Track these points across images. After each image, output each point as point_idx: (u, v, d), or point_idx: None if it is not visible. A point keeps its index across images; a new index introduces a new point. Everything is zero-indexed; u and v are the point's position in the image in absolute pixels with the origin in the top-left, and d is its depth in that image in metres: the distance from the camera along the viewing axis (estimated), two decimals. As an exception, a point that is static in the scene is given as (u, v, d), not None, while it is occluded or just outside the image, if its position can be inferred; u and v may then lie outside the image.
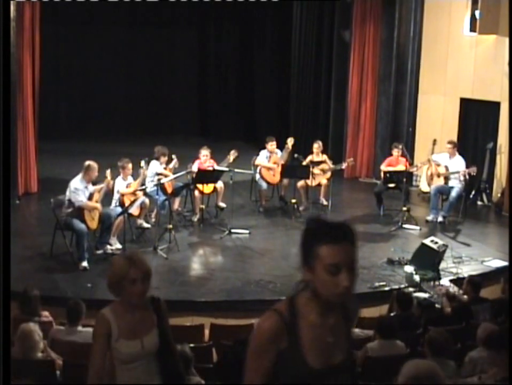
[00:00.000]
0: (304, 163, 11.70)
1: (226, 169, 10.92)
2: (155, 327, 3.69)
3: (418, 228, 11.10)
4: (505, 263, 9.28)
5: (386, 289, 8.58)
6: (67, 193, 9.20)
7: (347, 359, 2.62)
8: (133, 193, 9.93)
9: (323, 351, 2.54)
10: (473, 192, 12.55)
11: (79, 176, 9.24)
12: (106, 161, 10.45)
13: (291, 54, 16.31)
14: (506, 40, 11.76)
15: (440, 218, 11.42)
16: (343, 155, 14.42)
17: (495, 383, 4.92)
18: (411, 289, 8.23)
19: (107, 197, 9.76)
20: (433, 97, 13.76)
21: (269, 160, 11.89)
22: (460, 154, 11.60)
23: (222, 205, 11.50)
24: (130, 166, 10.01)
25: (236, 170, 10.93)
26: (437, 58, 13.55)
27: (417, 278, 8.51)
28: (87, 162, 9.29)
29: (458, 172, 11.33)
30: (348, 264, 2.45)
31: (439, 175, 11.58)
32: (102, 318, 3.61)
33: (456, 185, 11.39)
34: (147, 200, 10.26)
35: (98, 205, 9.35)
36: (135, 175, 10.15)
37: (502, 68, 12.11)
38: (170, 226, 10.03)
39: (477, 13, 12.30)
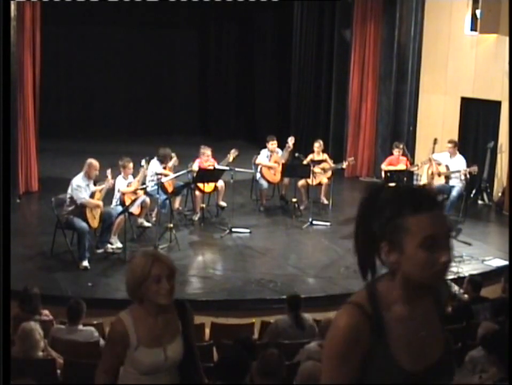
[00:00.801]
0: (305, 162, 11.70)
1: (227, 168, 10.92)
2: (179, 334, 3.32)
3: (418, 227, 11.07)
4: (506, 263, 9.28)
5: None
6: (69, 191, 9.21)
7: (445, 355, 2.15)
8: (134, 192, 9.94)
9: (416, 349, 2.08)
10: (473, 191, 12.55)
11: (81, 174, 9.26)
12: (106, 160, 10.45)
13: (291, 54, 16.31)
14: (507, 39, 11.75)
15: (440, 218, 11.39)
16: (344, 154, 14.42)
17: (495, 382, 4.92)
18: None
19: (108, 196, 9.76)
20: (433, 96, 13.75)
21: (270, 159, 11.89)
22: (461, 153, 11.60)
23: (223, 204, 11.50)
24: (130, 165, 10.01)
25: (237, 169, 10.93)
26: (438, 57, 13.54)
27: (417, 277, 8.49)
28: (88, 160, 9.33)
29: (459, 171, 11.33)
30: (445, 236, 2.02)
31: (439, 174, 11.58)
32: (119, 323, 3.25)
33: (457, 184, 11.39)
34: (147, 199, 10.25)
35: (100, 203, 9.36)
36: (136, 174, 10.16)
37: (502, 67, 12.10)
38: (171, 225, 10.04)
39: (478, 12, 12.30)
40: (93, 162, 9.30)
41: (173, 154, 11.09)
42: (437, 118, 13.69)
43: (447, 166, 11.49)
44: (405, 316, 2.08)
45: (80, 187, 9.12)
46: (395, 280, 2.09)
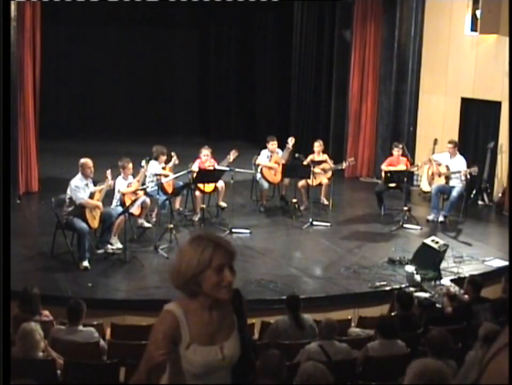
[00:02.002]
0: (305, 162, 11.69)
1: (227, 168, 10.92)
2: (235, 329, 2.92)
3: (419, 227, 11.10)
4: (506, 263, 9.28)
5: (387, 288, 8.58)
6: (68, 191, 9.21)
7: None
8: (134, 192, 9.93)
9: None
10: (474, 192, 12.54)
11: (79, 175, 9.27)
12: (106, 160, 10.45)
13: (291, 54, 16.31)
14: (507, 39, 11.75)
15: (441, 218, 11.41)
16: (344, 154, 14.42)
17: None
18: (412, 289, 8.23)
19: (108, 196, 9.76)
20: (434, 96, 13.75)
21: (270, 159, 11.89)
22: (461, 153, 11.60)
23: (223, 204, 11.49)
24: (130, 165, 10.01)
25: (237, 169, 10.93)
26: (438, 57, 13.54)
27: (417, 278, 8.50)
28: (81, 160, 9.35)
29: (459, 172, 11.32)
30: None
31: (440, 175, 11.57)
32: (169, 315, 2.80)
33: (457, 184, 11.39)
34: (148, 200, 10.25)
35: (99, 203, 9.36)
36: (136, 175, 10.15)
37: (503, 67, 12.11)
38: (171, 226, 10.04)
39: (478, 12, 12.30)
40: (86, 161, 9.30)
41: (173, 154, 11.08)
42: (437, 118, 13.69)
43: (447, 166, 11.49)
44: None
45: (79, 188, 9.12)
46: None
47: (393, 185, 11.64)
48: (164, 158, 10.86)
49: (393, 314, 7.30)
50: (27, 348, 5.47)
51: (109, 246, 9.59)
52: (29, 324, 5.57)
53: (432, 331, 5.73)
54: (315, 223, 11.13)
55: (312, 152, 12.06)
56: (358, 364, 5.94)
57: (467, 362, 5.50)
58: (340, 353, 5.89)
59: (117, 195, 9.94)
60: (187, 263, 2.76)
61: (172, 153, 11.07)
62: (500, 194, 12.50)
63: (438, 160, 11.64)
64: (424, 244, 9.07)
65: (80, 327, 6.21)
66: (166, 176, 10.67)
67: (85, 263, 8.96)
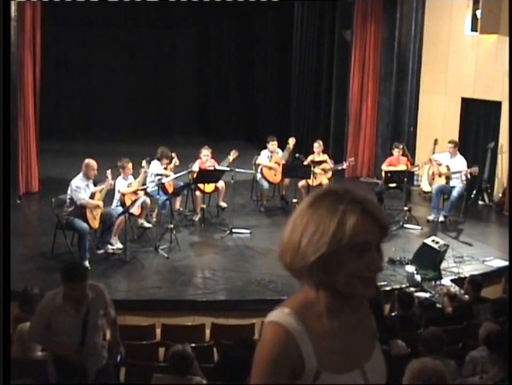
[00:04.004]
0: (305, 163, 11.69)
1: (228, 168, 10.92)
2: (377, 342, 2.01)
3: (419, 227, 11.09)
4: (506, 263, 9.27)
5: (387, 288, 8.57)
6: (68, 192, 9.21)
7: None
8: (135, 192, 9.93)
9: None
10: (474, 192, 12.54)
11: (80, 175, 9.28)
12: (106, 160, 10.45)
13: (292, 54, 16.30)
14: (507, 39, 11.75)
15: (441, 218, 11.41)
16: (344, 154, 14.41)
17: (496, 383, 4.91)
18: (412, 289, 8.23)
19: (108, 196, 9.76)
20: (434, 96, 13.75)
21: (270, 159, 11.89)
22: (461, 153, 11.60)
23: (223, 204, 11.49)
24: (130, 165, 10.00)
25: (237, 169, 10.93)
26: (439, 57, 13.54)
27: (418, 278, 8.50)
28: (86, 160, 9.35)
29: (459, 172, 11.32)
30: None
31: (440, 175, 11.57)
32: (282, 333, 1.85)
33: (458, 184, 11.38)
34: (148, 200, 10.25)
35: (100, 203, 9.36)
36: (136, 175, 10.15)
37: (503, 67, 12.10)
38: (171, 226, 10.03)
39: (478, 12, 12.29)
40: (90, 162, 9.30)
41: (173, 155, 11.09)
42: (437, 118, 13.69)
43: (447, 166, 11.49)
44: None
45: (80, 188, 9.12)
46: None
47: (393, 185, 11.64)
48: (166, 161, 10.85)
49: (393, 314, 7.30)
50: (25, 349, 5.47)
51: (109, 246, 9.59)
52: (26, 325, 5.56)
53: (424, 331, 5.73)
54: (315, 223, 11.10)
55: (313, 152, 12.05)
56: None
57: (467, 363, 5.51)
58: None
59: (117, 196, 9.94)
60: (311, 234, 1.83)
61: (173, 154, 11.07)
62: (500, 194, 12.49)
63: (438, 160, 11.64)
64: (424, 244, 9.07)
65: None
66: (167, 176, 10.67)
67: (86, 263, 8.95)
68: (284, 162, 11.74)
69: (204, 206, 11.18)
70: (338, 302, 1.90)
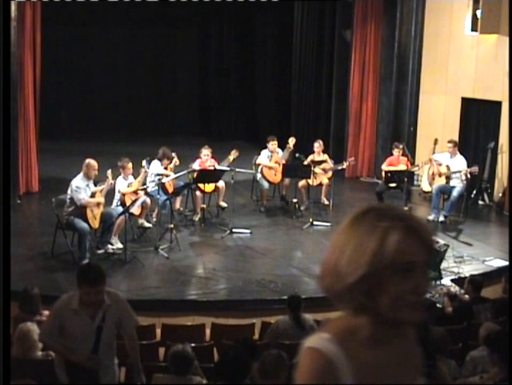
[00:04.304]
0: (305, 162, 11.69)
1: (228, 168, 10.92)
2: (420, 372, 1.85)
3: (419, 227, 11.07)
4: (507, 263, 9.28)
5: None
6: (69, 192, 9.22)
7: None
8: (135, 192, 9.94)
9: None
10: (474, 192, 12.53)
11: (80, 175, 9.28)
12: (106, 160, 10.45)
13: (292, 54, 16.31)
14: (508, 39, 11.75)
15: (441, 218, 11.41)
16: (344, 154, 14.41)
17: (496, 383, 4.91)
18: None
19: (109, 196, 9.76)
20: (434, 96, 13.74)
21: (270, 159, 11.89)
22: (461, 153, 11.60)
23: (223, 204, 11.49)
24: (129, 165, 10.01)
25: (237, 169, 10.93)
26: (439, 57, 13.54)
27: (418, 277, 8.48)
28: (86, 160, 9.35)
29: (459, 171, 11.32)
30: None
31: (440, 175, 11.57)
32: (321, 361, 1.71)
33: (458, 184, 11.38)
34: (148, 200, 10.26)
35: (101, 199, 9.36)
36: (136, 175, 10.16)
37: (503, 67, 12.10)
38: (171, 226, 10.04)
39: (478, 12, 12.30)
40: (91, 162, 9.30)
41: (173, 154, 11.09)
42: (437, 118, 13.69)
43: (447, 166, 11.49)
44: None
45: (80, 188, 9.13)
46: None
47: (393, 185, 11.65)
48: (167, 161, 10.85)
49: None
50: (25, 349, 5.47)
51: (109, 246, 9.60)
52: (26, 325, 5.56)
53: (431, 331, 5.72)
54: (315, 223, 11.12)
55: (313, 152, 12.06)
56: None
57: (467, 362, 5.51)
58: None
59: (117, 196, 9.95)
60: (351, 253, 1.68)
61: (173, 153, 11.07)
62: (500, 194, 12.49)
63: (438, 160, 11.64)
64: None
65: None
66: (167, 176, 10.67)
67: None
68: (284, 162, 11.74)
69: (204, 205, 11.18)
70: (381, 330, 1.73)
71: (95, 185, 9.50)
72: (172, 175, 10.74)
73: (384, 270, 1.65)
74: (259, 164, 11.91)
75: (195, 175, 10.92)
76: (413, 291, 1.67)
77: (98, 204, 9.33)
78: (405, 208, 11.24)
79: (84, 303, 4.79)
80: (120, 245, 9.62)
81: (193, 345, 5.51)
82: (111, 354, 5.03)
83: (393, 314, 1.68)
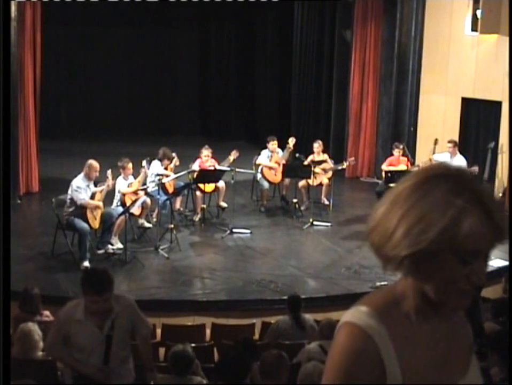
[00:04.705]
0: (305, 162, 11.70)
1: (228, 168, 10.92)
2: (473, 355, 1.69)
3: (419, 227, 11.07)
4: (507, 263, 9.27)
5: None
6: (69, 192, 9.22)
7: None
8: (135, 192, 9.94)
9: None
10: (474, 192, 12.52)
11: (81, 175, 9.27)
12: (107, 160, 10.45)
13: (292, 54, 16.31)
14: (508, 39, 11.74)
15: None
16: (344, 154, 14.41)
17: (497, 382, 4.91)
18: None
19: (109, 196, 9.76)
20: (434, 96, 13.74)
21: (271, 159, 11.89)
22: (461, 153, 11.60)
23: (223, 204, 11.49)
24: (130, 165, 10.01)
25: (237, 169, 10.93)
26: (439, 57, 13.53)
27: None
28: (89, 161, 9.34)
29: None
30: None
31: (440, 175, 11.56)
32: (363, 341, 1.51)
33: (458, 184, 11.36)
34: (148, 200, 10.26)
35: (100, 203, 9.36)
36: (136, 175, 10.16)
37: (503, 67, 12.09)
38: (172, 226, 10.04)
39: (478, 12, 12.29)
40: (94, 163, 9.30)
41: (173, 154, 11.09)
42: (438, 118, 13.68)
43: (447, 166, 11.47)
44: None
45: (80, 188, 9.13)
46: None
47: (393, 185, 11.61)
48: (167, 161, 10.84)
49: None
50: (26, 349, 5.47)
51: (109, 246, 9.60)
52: (27, 325, 5.56)
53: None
54: (315, 223, 11.13)
55: (313, 152, 12.06)
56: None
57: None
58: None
59: (117, 196, 9.95)
60: (412, 224, 1.49)
61: (173, 154, 11.07)
62: (501, 194, 12.48)
63: (439, 160, 11.64)
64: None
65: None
66: (167, 176, 10.67)
67: (86, 263, 8.96)
68: (284, 162, 11.74)
69: (204, 206, 11.18)
70: (426, 306, 1.55)
71: (95, 185, 9.50)
72: (173, 175, 10.74)
73: (445, 251, 1.48)
74: (259, 165, 11.91)
75: (195, 175, 10.93)
76: (468, 279, 1.50)
77: (97, 207, 9.32)
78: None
79: (90, 312, 4.43)
80: (120, 245, 9.62)
81: (193, 345, 5.50)
82: (125, 362, 4.69)
83: (440, 297, 1.52)
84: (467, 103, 13.21)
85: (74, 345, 4.50)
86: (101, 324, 4.46)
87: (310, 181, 11.71)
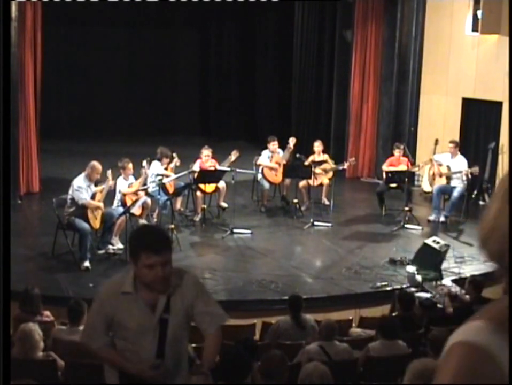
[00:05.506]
0: (306, 163, 11.69)
1: (228, 168, 10.92)
2: None
3: (420, 227, 11.09)
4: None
5: (388, 288, 8.57)
6: (70, 192, 9.21)
7: None
8: (135, 193, 9.94)
9: None
10: (475, 192, 12.53)
11: (82, 175, 9.26)
12: (107, 161, 10.44)
13: (292, 54, 16.30)
14: (508, 40, 11.74)
15: (442, 218, 11.40)
16: (345, 155, 14.40)
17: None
18: (413, 289, 8.23)
19: (109, 197, 9.76)
20: (435, 96, 13.74)
21: (271, 159, 11.89)
22: (462, 154, 11.60)
23: (224, 204, 11.49)
24: (130, 166, 10.00)
25: (238, 170, 10.93)
26: (439, 57, 13.54)
27: (419, 278, 8.50)
28: (92, 162, 9.33)
29: (460, 172, 11.32)
30: None
31: (441, 175, 11.57)
32: (477, 360, 1.30)
33: (458, 185, 11.38)
34: (149, 200, 10.25)
35: (101, 204, 9.37)
36: (136, 175, 10.15)
37: (504, 67, 12.09)
38: (172, 226, 10.02)
39: (479, 12, 12.29)
40: (97, 165, 9.29)
41: (174, 155, 11.09)
42: (438, 119, 13.69)
43: (448, 167, 11.48)
44: None
45: (81, 188, 9.13)
46: None
47: (394, 185, 11.65)
48: (167, 160, 10.85)
49: (394, 314, 7.30)
50: (26, 349, 5.47)
51: (110, 246, 9.60)
52: (28, 325, 5.56)
53: (434, 331, 5.72)
54: (316, 223, 11.12)
55: (313, 153, 12.06)
56: (359, 365, 5.94)
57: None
58: (341, 354, 5.88)
59: (118, 196, 9.95)
60: None
61: (174, 154, 11.07)
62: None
63: (439, 160, 11.64)
64: (425, 244, 9.06)
65: (81, 327, 6.19)
66: (168, 176, 10.67)
67: (86, 263, 8.96)
68: (284, 162, 11.74)
69: (205, 206, 11.18)
70: None
71: (95, 185, 9.50)
72: (173, 176, 10.74)
73: None
74: (259, 165, 11.91)
75: (195, 175, 10.93)
76: None
77: (98, 207, 9.33)
78: (406, 208, 11.25)
79: (143, 284, 3.39)
80: (121, 246, 9.62)
81: (193, 345, 5.50)
82: (183, 358, 3.62)
83: None
84: (467, 103, 13.21)
85: (117, 331, 3.52)
86: (154, 302, 3.42)
87: (310, 181, 11.71)
